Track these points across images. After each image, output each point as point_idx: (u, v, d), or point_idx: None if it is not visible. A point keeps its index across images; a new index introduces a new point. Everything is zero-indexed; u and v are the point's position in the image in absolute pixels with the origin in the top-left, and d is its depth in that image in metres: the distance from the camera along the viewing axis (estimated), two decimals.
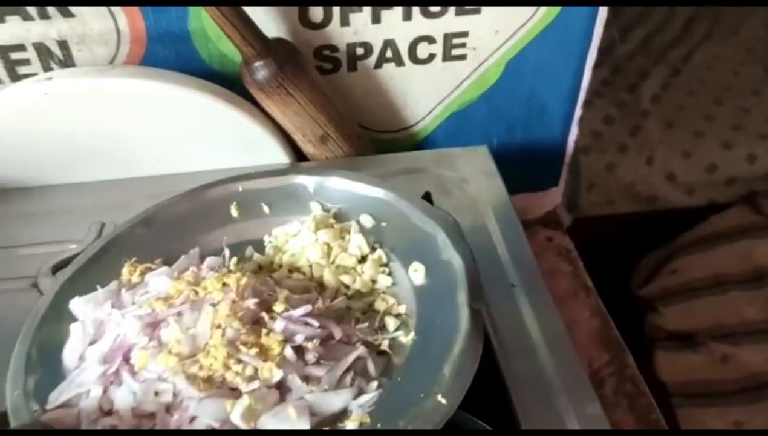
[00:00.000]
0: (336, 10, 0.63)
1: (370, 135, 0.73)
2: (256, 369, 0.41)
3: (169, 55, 0.63)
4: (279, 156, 0.66)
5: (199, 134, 0.64)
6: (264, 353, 0.42)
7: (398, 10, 0.64)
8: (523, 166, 0.70)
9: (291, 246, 0.53)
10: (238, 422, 0.39)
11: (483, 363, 0.42)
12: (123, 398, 0.42)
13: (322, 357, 0.43)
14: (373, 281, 0.50)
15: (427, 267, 0.49)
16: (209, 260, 0.51)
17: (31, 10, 0.59)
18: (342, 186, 0.55)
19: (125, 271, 0.52)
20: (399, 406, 0.40)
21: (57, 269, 0.56)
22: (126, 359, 0.44)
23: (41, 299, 0.51)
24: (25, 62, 0.62)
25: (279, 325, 0.43)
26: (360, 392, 0.42)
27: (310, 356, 0.43)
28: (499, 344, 0.50)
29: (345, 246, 0.51)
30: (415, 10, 0.64)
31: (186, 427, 0.40)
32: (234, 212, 0.56)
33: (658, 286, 1.07)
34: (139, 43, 0.62)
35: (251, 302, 0.44)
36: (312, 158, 0.68)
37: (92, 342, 0.47)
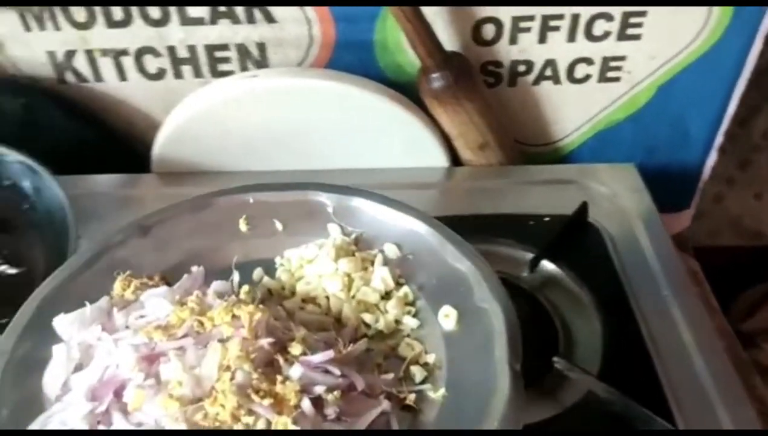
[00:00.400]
0: (506, 30, 0.69)
1: (519, 147, 0.77)
2: (269, 422, 0.36)
3: (351, 61, 0.69)
4: (440, 159, 0.72)
5: (373, 133, 0.70)
6: (279, 404, 0.37)
7: (564, 32, 0.69)
8: (660, 186, 0.71)
9: (306, 273, 0.48)
10: None
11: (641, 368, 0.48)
12: None
13: (343, 412, 0.38)
14: (397, 322, 0.45)
15: (460, 312, 0.44)
16: (216, 285, 0.46)
17: (240, 14, 0.66)
18: (366, 209, 0.50)
19: (118, 285, 0.47)
20: None
21: None
22: (117, 395, 0.39)
23: (19, 311, 0.45)
24: (226, 60, 0.70)
25: (296, 372, 0.38)
26: None
27: (330, 411, 0.38)
28: (656, 351, 0.52)
29: (368, 279, 0.46)
30: (580, 33, 0.69)
31: None
32: (243, 227, 0.51)
33: (760, 320, 1.04)
34: (327, 49, 0.69)
35: (265, 342, 0.39)
36: (467, 164, 0.73)
37: (77, 367, 0.42)
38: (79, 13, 0.65)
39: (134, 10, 0.65)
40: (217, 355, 0.38)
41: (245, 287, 0.46)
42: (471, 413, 0.38)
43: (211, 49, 0.68)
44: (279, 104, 0.67)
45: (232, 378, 0.37)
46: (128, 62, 0.70)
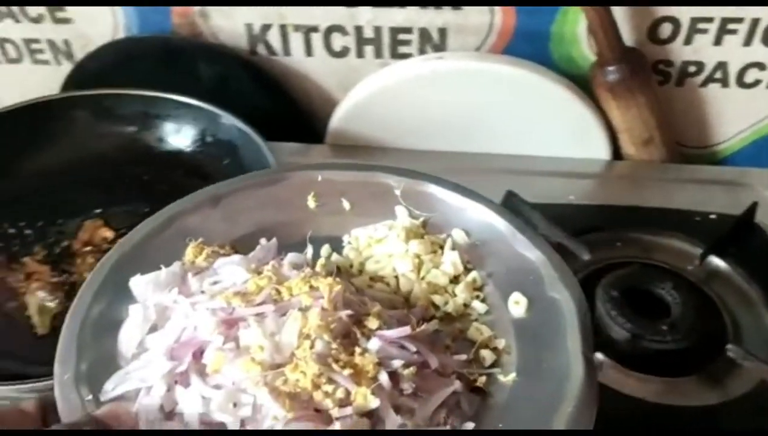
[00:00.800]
0: (683, 30, 0.71)
1: (678, 147, 0.81)
2: (348, 393, 0.36)
3: (525, 51, 0.73)
4: (603, 152, 0.76)
5: (543, 121, 0.74)
6: (357, 375, 0.37)
7: (741, 36, 0.71)
8: None
9: (375, 252, 0.48)
10: None
11: None
12: (191, 401, 0.38)
13: (417, 388, 0.39)
14: (466, 306, 0.46)
15: (530, 300, 0.44)
16: (291, 257, 0.47)
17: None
18: (435, 193, 0.51)
19: (190, 251, 0.47)
20: None
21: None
22: (196, 357, 0.39)
23: (94, 270, 0.46)
24: (407, 43, 0.75)
25: (374, 344, 0.39)
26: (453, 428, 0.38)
27: (406, 385, 0.38)
28: None
29: (437, 262, 0.47)
30: (757, 37, 0.71)
31: None
32: (311, 203, 0.52)
33: None
34: (504, 37, 0.73)
35: (344, 314, 0.40)
36: (628, 158, 0.77)
37: (152, 329, 0.43)
38: None
39: None
40: (297, 323, 0.39)
41: (321, 260, 0.47)
42: (543, 398, 0.39)
43: (395, 31, 0.74)
44: (458, 86, 0.72)
45: (311, 347, 0.38)
46: (317, 39, 0.76)
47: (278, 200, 0.51)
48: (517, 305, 0.44)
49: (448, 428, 0.38)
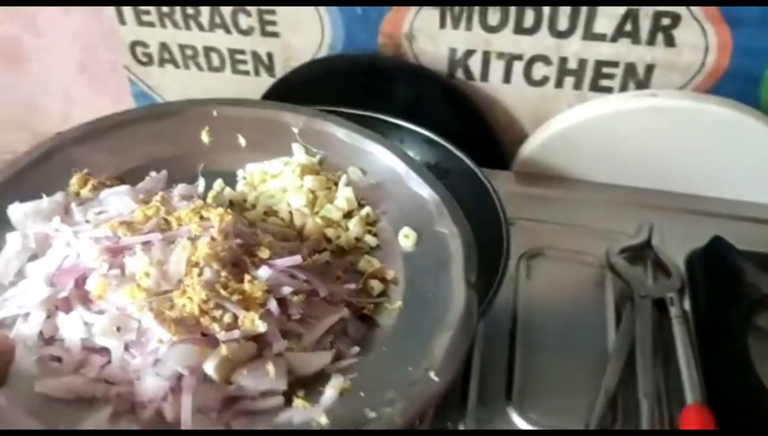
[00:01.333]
0: None
1: None
2: (236, 318, 0.37)
3: (732, 92, 0.71)
4: None
5: (754, 164, 0.73)
6: (246, 301, 0.38)
7: None
8: None
9: (270, 187, 0.49)
10: (211, 372, 0.36)
11: None
12: (72, 327, 0.37)
13: (305, 314, 0.40)
14: (357, 240, 0.47)
15: (419, 235, 0.46)
16: (182, 188, 0.46)
17: (644, 35, 0.70)
18: (331, 132, 0.51)
19: (75, 181, 0.46)
20: (384, 376, 0.38)
21: (623, 252, 0.67)
22: (78, 285, 0.39)
23: None
24: (609, 77, 0.74)
25: (264, 273, 0.40)
26: (340, 356, 0.40)
27: (294, 311, 0.39)
28: None
29: (331, 197, 0.48)
30: None
31: (149, 370, 0.36)
32: (205, 138, 0.51)
33: None
34: (712, 77, 0.72)
35: (234, 242, 0.40)
36: None
37: (32, 258, 0.41)
38: (494, 15, 0.71)
39: (544, 19, 0.70)
40: (186, 252, 0.39)
41: (213, 191, 0.46)
42: (426, 325, 0.41)
43: (600, 64, 0.73)
44: (667, 124, 0.71)
45: (200, 274, 0.38)
46: (518, 67, 0.75)
47: (171, 134, 0.51)
48: (407, 239, 0.46)
49: (333, 351, 0.40)
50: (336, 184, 0.49)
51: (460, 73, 0.77)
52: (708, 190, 0.77)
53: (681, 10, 0.66)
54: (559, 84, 0.75)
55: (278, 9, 0.76)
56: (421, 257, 0.45)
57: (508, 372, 0.59)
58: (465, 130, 0.77)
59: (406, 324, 0.42)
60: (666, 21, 0.67)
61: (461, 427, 0.54)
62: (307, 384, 0.38)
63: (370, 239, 0.47)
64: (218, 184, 0.49)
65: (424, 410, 0.36)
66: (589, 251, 0.69)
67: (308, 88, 0.80)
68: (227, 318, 0.37)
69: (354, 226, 0.47)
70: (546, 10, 0.69)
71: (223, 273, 0.38)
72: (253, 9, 0.76)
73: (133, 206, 0.43)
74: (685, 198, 0.77)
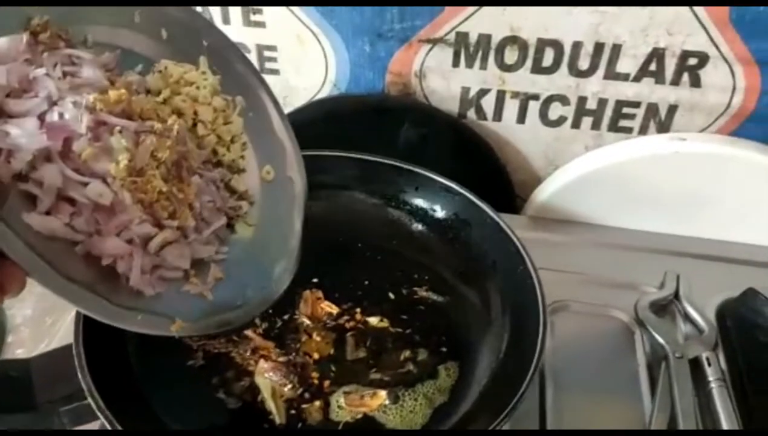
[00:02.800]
0: None
1: None
2: (175, 211, 0.44)
3: (755, 134, 0.70)
4: None
5: None
6: (184, 200, 0.44)
7: None
8: None
9: (183, 91, 0.50)
10: (154, 247, 0.42)
11: None
12: (52, 175, 0.38)
13: (210, 217, 0.48)
14: (233, 161, 0.52)
15: (276, 174, 0.54)
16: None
17: (669, 75, 0.68)
18: (234, 63, 0.53)
19: (35, 22, 0.43)
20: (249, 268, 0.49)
21: (653, 305, 0.64)
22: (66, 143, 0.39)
23: None
24: (629, 117, 0.73)
25: (196, 180, 0.46)
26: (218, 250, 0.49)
27: (206, 214, 0.47)
28: None
29: (226, 118, 0.52)
30: None
31: (113, 233, 0.41)
32: (137, 18, 0.50)
33: None
34: (737, 119, 0.71)
35: (183, 148, 0.45)
36: None
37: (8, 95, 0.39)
38: (512, 54, 0.71)
39: (565, 59, 0.70)
40: (151, 147, 0.42)
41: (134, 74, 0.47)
42: (273, 247, 0.51)
43: (621, 104, 0.72)
44: (694, 169, 0.70)
45: (157, 168, 0.42)
46: (534, 106, 0.74)
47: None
48: (268, 175, 0.54)
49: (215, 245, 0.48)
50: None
51: (471, 113, 0.77)
52: (737, 237, 0.74)
53: (709, 50, 0.67)
54: (576, 124, 0.75)
55: (279, 45, 0.76)
56: (274, 191, 0.53)
57: None
58: (475, 172, 0.75)
59: (258, 241, 0.50)
60: (693, 61, 0.68)
61: None
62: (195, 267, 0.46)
63: (241, 163, 0.53)
64: (138, 67, 0.49)
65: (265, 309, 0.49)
66: (614, 303, 0.66)
67: (310, 129, 0.76)
68: (171, 209, 0.43)
69: (235, 150, 0.52)
70: (567, 48, 0.70)
71: (172, 172, 0.43)
72: (251, 45, 0.76)
73: (103, 81, 0.43)
74: (713, 244, 0.74)
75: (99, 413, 0.43)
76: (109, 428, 0.43)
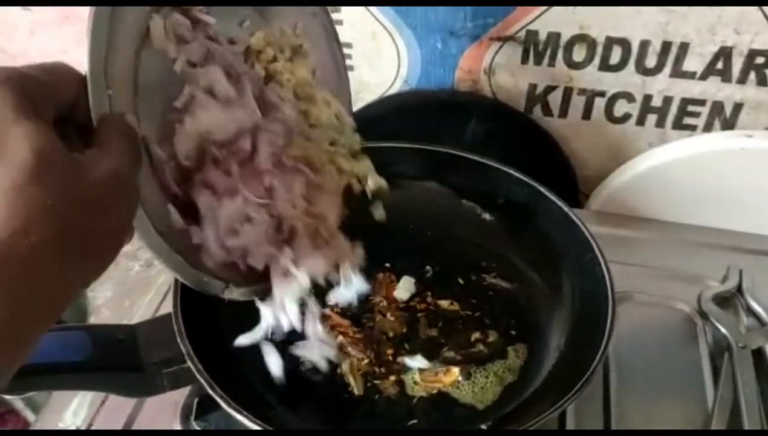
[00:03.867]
0: None
1: None
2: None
3: None
4: None
5: None
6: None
7: None
8: None
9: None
10: None
11: None
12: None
13: None
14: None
15: None
16: None
17: (735, 73, 0.69)
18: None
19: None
20: None
21: (716, 298, 0.65)
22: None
23: None
24: (694, 115, 0.74)
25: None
26: None
27: None
28: None
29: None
30: None
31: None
32: None
33: None
34: None
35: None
36: None
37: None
38: (580, 52, 0.72)
39: (632, 57, 0.71)
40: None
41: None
42: None
43: (686, 102, 0.73)
44: (759, 166, 0.71)
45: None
46: (599, 103, 0.76)
47: None
48: None
49: None
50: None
51: (537, 109, 0.79)
52: None
53: None
54: (640, 121, 0.76)
55: (355, 42, 0.79)
56: None
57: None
58: (540, 166, 0.77)
59: None
60: (760, 60, 0.69)
61: None
62: None
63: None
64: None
65: None
66: (677, 296, 0.67)
67: (381, 123, 0.80)
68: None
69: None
70: (634, 46, 0.71)
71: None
72: None
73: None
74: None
75: (198, 375, 0.46)
76: (208, 389, 0.46)
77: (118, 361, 0.49)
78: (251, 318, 0.51)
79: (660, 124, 0.75)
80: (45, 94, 0.31)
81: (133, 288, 0.71)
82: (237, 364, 0.51)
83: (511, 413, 0.51)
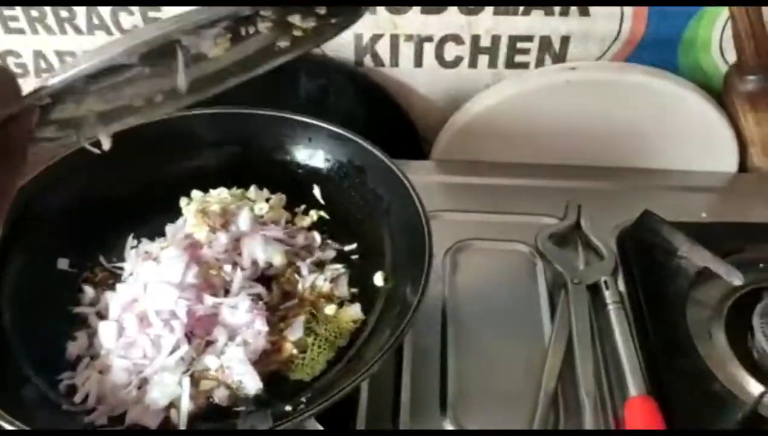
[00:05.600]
0: None
1: None
2: None
3: (650, 59, 0.71)
4: (730, 164, 0.74)
5: (674, 133, 0.72)
6: None
7: None
8: None
9: None
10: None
11: None
12: None
13: None
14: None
15: None
16: None
17: (556, 7, 0.68)
18: None
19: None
20: None
21: (552, 237, 0.64)
22: None
23: None
24: (524, 52, 0.72)
25: None
26: None
27: None
28: None
29: None
30: None
31: None
32: None
33: None
34: (629, 45, 0.71)
35: None
36: (752, 171, 0.75)
37: None
38: None
39: None
40: None
41: None
42: None
43: (514, 39, 0.72)
44: (588, 98, 0.70)
45: None
46: (429, 48, 0.73)
47: None
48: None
49: None
50: None
51: (368, 60, 0.75)
52: (635, 163, 0.75)
53: None
54: (473, 64, 0.74)
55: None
56: None
57: (441, 381, 0.55)
58: (378, 120, 0.75)
59: None
60: None
61: None
62: None
63: None
64: None
65: None
66: (517, 238, 0.66)
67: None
68: None
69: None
70: None
71: None
72: (135, 8, 0.72)
73: None
74: (612, 172, 0.75)
75: None
76: None
77: None
78: (39, 319, 0.49)
79: (492, 64, 0.73)
80: None
81: None
82: (19, 371, 0.48)
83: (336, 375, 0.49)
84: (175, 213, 0.60)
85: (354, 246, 0.59)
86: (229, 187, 0.61)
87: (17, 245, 0.52)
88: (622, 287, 0.60)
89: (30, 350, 0.49)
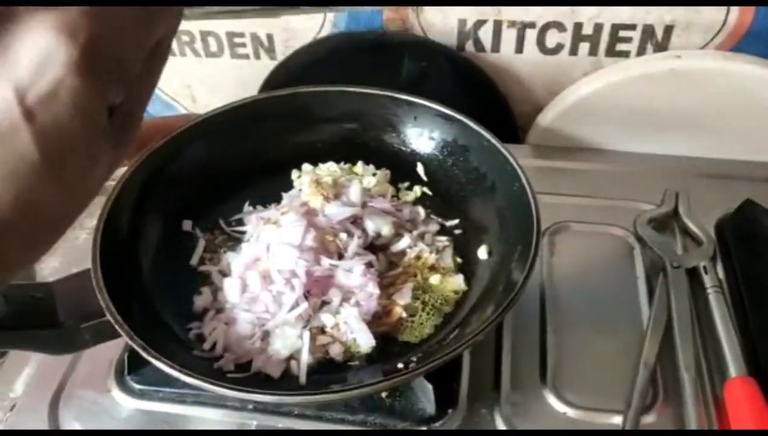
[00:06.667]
0: None
1: None
2: None
3: (756, 50, 0.70)
4: None
5: None
6: None
7: None
8: None
9: None
10: None
11: None
12: None
13: None
14: None
15: None
16: None
17: None
18: None
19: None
20: None
21: (651, 222, 0.66)
22: None
23: None
24: (626, 40, 0.73)
25: None
26: None
27: None
28: None
29: None
30: None
31: None
32: None
33: None
34: (735, 36, 0.70)
35: None
36: None
37: None
38: None
39: None
40: None
41: None
42: None
43: (617, 28, 0.72)
44: (690, 87, 0.70)
45: None
46: (531, 35, 0.75)
47: None
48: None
49: None
50: None
51: (470, 46, 0.77)
52: (735, 153, 0.74)
53: None
54: (573, 51, 0.75)
55: None
56: None
57: (540, 354, 0.57)
58: (477, 104, 0.77)
59: None
60: None
61: (496, 413, 0.53)
62: None
63: None
64: None
65: None
66: (614, 222, 0.67)
67: (312, 69, 0.79)
68: None
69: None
70: None
71: None
72: None
73: None
74: (712, 162, 0.75)
75: (117, 327, 0.45)
76: (127, 340, 0.45)
77: (34, 318, 0.47)
78: (171, 274, 0.52)
79: (593, 52, 0.74)
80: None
81: (79, 257, 0.69)
82: (158, 317, 0.51)
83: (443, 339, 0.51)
84: (284, 183, 0.63)
85: (456, 222, 0.60)
86: (337, 162, 0.64)
87: (151, 206, 0.56)
88: (720, 273, 0.61)
89: (165, 300, 0.52)
